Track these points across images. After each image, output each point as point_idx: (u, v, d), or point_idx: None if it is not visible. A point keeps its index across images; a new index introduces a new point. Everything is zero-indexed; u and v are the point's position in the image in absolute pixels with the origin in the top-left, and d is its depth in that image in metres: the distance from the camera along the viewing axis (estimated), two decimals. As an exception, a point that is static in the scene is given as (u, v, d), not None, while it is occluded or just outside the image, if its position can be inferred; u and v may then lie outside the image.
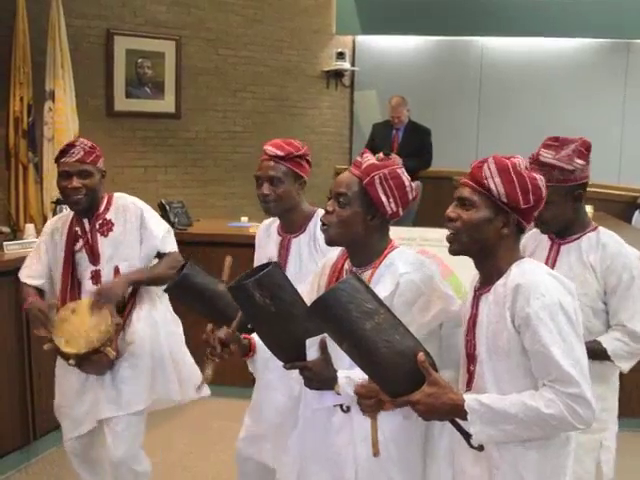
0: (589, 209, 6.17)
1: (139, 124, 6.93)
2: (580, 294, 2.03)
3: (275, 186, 2.70)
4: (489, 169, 1.87)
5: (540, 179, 1.91)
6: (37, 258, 3.16)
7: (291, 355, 2.10)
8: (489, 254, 1.91)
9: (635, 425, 4.34)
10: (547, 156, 2.45)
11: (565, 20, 8.08)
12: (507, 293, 1.85)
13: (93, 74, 6.59)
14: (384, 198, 2.12)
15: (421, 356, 1.80)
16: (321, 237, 2.69)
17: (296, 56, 8.09)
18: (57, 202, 4.40)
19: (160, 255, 3.13)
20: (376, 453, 2.06)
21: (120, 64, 6.76)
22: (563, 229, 2.57)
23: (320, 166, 7.67)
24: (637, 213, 6.42)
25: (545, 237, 2.66)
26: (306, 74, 8.21)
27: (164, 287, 2.94)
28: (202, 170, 7.48)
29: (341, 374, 2.09)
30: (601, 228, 2.58)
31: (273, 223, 2.91)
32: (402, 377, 1.81)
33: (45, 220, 5.74)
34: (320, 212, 2.81)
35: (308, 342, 2.08)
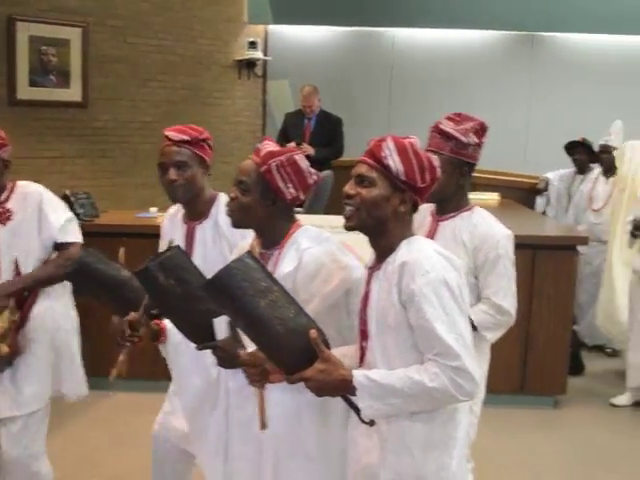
0: (495, 196, 6.42)
1: (44, 113, 6.70)
2: None
3: (182, 171, 2.68)
4: (388, 148, 1.91)
5: (435, 159, 1.97)
6: None
7: (201, 336, 2.14)
8: (384, 231, 1.94)
9: (498, 401, 4.44)
10: (447, 126, 2.65)
11: (473, 12, 8.27)
12: (395, 270, 1.88)
13: (-6, 61, 6.35)
14: (282, 184, 2.16)
15: (313, 333, 1.83)
16: (223, 222, 2.69)
17: (208, 45, 7.98)
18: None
19: (59, 246, 2.99)
20: (263, 427, 2.07)
21: (23, 51, 6.52)
22: (441, 201, 2.75)
23: (233, 155, 7.62)
24: (538, 198, 6.77)
25: (429, 213, 2.84)
26: (218, 63, 8.12)
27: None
28: (111, 161, 7.30)
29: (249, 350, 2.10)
30: (476, 208, 2.78)
31: (178, 212, 2.87)
32: (296, 354, 1.84)
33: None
34: (222, 196, 2.78)
35: (216, 321, 2.12)
